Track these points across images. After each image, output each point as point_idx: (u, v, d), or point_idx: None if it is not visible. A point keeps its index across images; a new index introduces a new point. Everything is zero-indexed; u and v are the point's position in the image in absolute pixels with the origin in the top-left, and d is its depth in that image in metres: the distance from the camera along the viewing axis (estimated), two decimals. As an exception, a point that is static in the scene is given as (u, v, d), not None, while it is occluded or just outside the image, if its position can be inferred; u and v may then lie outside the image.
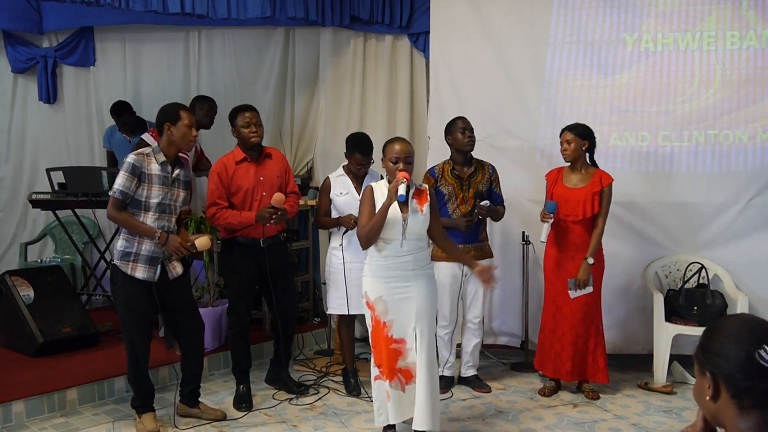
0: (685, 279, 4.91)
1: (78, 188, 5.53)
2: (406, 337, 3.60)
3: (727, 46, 4.97)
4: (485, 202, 4.58)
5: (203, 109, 5.32)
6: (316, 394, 4.71)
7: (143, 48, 6.72)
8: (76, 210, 5.96)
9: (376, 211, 3.56)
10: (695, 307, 4.81)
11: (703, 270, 4.91)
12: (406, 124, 5.86)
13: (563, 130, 4.57)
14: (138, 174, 3.82)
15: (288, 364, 4.81)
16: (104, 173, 5.62)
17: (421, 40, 5.76)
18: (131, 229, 3.86)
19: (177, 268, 4.04)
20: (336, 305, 4.67)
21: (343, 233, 4.57)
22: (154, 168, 3.89)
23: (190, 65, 6.59)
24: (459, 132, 4.62)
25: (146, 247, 3.88)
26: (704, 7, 4.99)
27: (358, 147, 4.51)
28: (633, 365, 5.18)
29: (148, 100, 6.53)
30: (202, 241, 3.99)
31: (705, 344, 1.58)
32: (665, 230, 5.15)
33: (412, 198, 3.62)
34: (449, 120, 4.72)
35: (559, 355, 4.59)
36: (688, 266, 4.94)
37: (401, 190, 3.45)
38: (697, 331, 4.74)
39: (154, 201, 3.87)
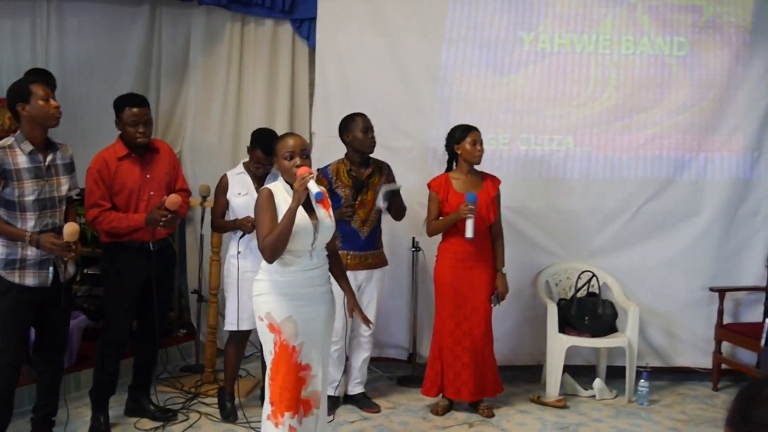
0: (577, 288, 4.78)
1: None
2: (312, 363, 3.13)
3: (622, 51, 4.88)
4: (396, 186, 4.26)
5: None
6: (186, 420, 4.15)
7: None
8: None
9: (279, 218, 3.00)
10: (587, 317, 4.67)
11: (594, 278, 4.80)
12: (287, 117, 5.37)
13: (472, 130, 4.26)
14: (1, 172, 3.21)
15: (150, 388, 4.20)
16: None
17: (305, 26, 5.28)
18: None
19: (69, 269, 3.48)
20: (232, 320, 4.12)
21: (240, 238, 4.04)
22: (22, 161, 3.29)
23: (37, 41, 5.73)
24: (360, 131, 4.20)
25: (33, 249, 3.29)
26: (600, 10, 4.87)
27: (261, 144, 4.00)
28: (521, 377, 4.99)
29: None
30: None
31: (746, 412, 1.30)
32: (556, 237, 5.01)
33: (316, 203, 3.08)
34: (342, 115, 4.31)
35: (460, 375, 4.27)
36: (579, 275, 4.82)
37: (313, 187, 2.92)
38: (590, 342, 4.64)
39: (29, 199, 3.29)
